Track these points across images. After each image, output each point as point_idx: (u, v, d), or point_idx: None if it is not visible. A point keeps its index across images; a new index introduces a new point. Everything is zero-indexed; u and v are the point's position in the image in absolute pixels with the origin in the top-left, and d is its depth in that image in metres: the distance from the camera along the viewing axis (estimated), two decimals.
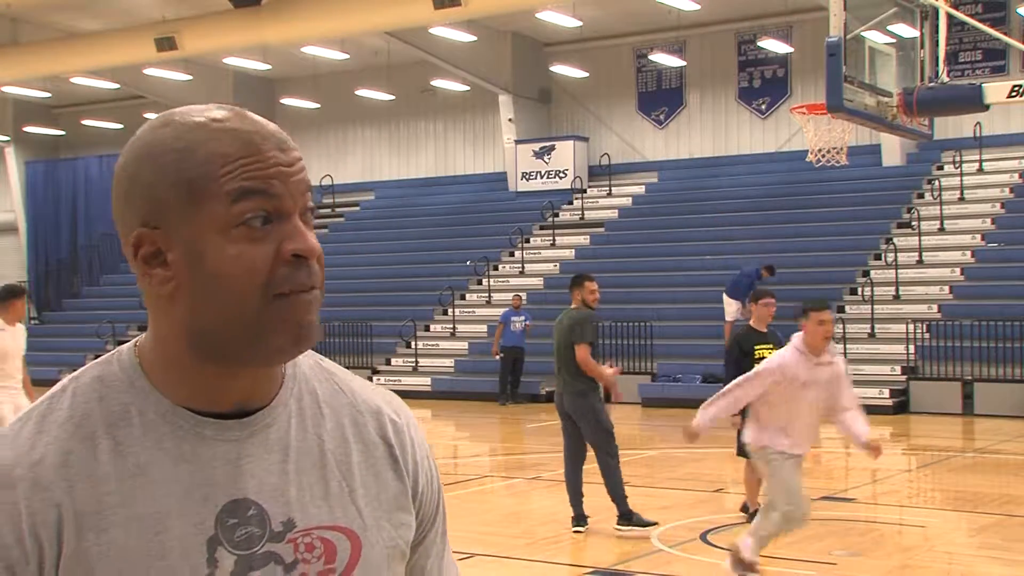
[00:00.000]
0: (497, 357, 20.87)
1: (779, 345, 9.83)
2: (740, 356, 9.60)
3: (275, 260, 1.28)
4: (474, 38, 25.02)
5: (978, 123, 22.43)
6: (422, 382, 22.09)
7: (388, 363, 23.46)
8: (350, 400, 1.44)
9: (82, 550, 1.26)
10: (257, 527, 1.31)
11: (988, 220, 21.93)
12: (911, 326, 19.11)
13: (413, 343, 23.67)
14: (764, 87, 26.40)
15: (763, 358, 9.64)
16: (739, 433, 9.93)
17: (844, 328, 19.65)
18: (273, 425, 1.36)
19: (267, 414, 1.36)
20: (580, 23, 24.53)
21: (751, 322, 9.87)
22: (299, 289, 1.30)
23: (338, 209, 29.90)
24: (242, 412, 1.35)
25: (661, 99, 27.56)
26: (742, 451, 9.91)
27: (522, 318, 20.71)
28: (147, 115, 31.56)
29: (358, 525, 1.37)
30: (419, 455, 1.47)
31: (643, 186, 26.94)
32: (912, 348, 19.05)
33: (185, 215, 1.29)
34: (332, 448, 1.39)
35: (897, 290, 20.58)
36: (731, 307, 20.03)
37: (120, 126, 33.51)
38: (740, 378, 7.47)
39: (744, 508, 9.86)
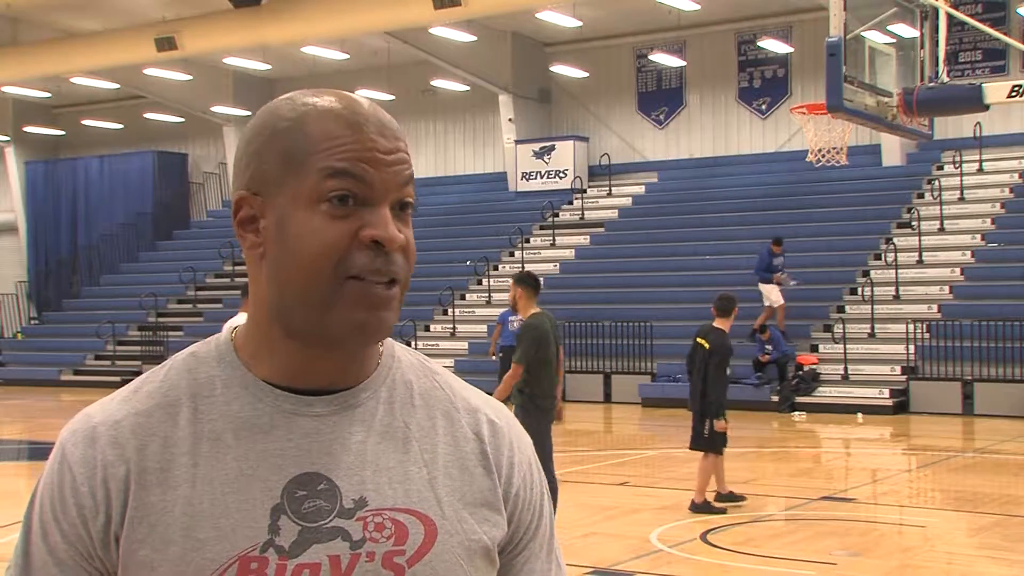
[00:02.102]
0: (494, 358, 20.85)
1: (707, 339, 10.28)
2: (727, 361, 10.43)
3: (352, 242, 1.30)
4: (474, 38, 25.01)
5: (978, 123, 22.42)
6: None
7: None
8: (447, 396, 1.44)
9: (148, 504, 1.31)
10: (326, 501, 1.32)
11: (988, 220, 21.92)
12: (911, 326, 19.11)
13: (413, 343, 23.66)
14: (764, 87, 26.40)
15: (702, 346, 10.20)
16: (698, 425, 10.12)
17: (844, 328, 19.67)
18: (359, 407, 1.37)
19: (353, 394, 1.37)
20: (580, 23, 24.52)
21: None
22: (373, 277, 1.31)
23: None
24: (328, 391, 1.37)
25: (661, 99, 27.55)
26: (697, 444, 10.09)
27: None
28: (147, 115, 31.82)
29: (435, 512, 1.35)
30: (517, 459, 1.44)
31: (643, 186, 26.93)
32: (912, 348, 19.04)
33: (281, 184, 1.33)
34: (418, 436, 1.39)
35: (897, 290, 20.57)
36: (766, 290, 20.19)
37: (120, 126, 33.51)
38: None
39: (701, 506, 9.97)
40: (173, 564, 1.29)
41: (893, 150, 23.85)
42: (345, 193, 1.30)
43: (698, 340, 10.36)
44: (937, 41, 11.67)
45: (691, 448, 10.18)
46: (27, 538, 1.35)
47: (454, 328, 23.90)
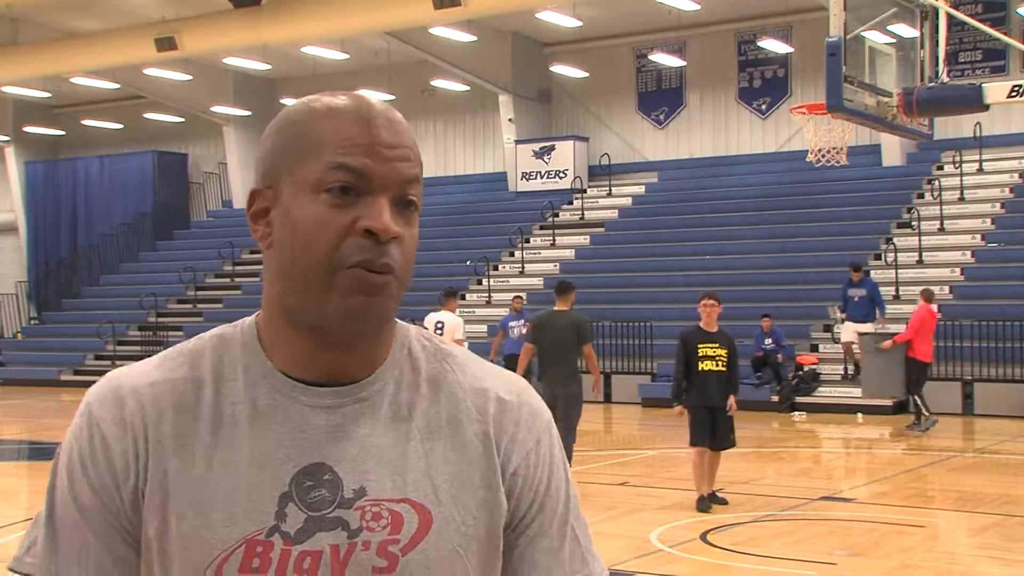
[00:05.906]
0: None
1: (725, 344, 10.16)
2: (685, 355, 10.23)
3: (348, 231, 1.34)
4: (474, 38, 25.02)
5: (978, 123, 22.42)
6: None
7: None
8: (457, 379, 1.46)
9: (169, 472, 1.36)
10: (329, 492, 1.36)
11: (988, 220, 21.92)
12: None
13: None
14: (764, 87, 26.40)
15: (706, 356, 10.08)
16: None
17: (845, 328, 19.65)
18: (367, 399, 1.41)
19: (362, 387, 1.41)
20: (580, 23, 24.52)
21: (701, 323, 10.35)
22: (367, 266, 1.34)
23: None
24: (340, 382, 1.40)
25: (661, 99, 27.56)
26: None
27: (522, 322, 20.47)
28: (147, 115, 31.82)
29: (431, 501, 1.38)
30: (522, 436, 1.45)
31: (643, 186, 26.94)
32: None
33: (289, 175, 1.38)
34: (420, 424, 1.42)
35: (897, 290, 20.56)
36: (846, 330, 18.75)
37: (120, 126, 33.51)
38: None
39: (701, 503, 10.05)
40: (183, 538, 1.34)
41: (893, 150, 23.85)
42: (345, 184, 1.35)
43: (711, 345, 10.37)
44: (937, 41, 11.67)
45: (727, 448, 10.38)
46: (51, 495, 1.40)
47: None
